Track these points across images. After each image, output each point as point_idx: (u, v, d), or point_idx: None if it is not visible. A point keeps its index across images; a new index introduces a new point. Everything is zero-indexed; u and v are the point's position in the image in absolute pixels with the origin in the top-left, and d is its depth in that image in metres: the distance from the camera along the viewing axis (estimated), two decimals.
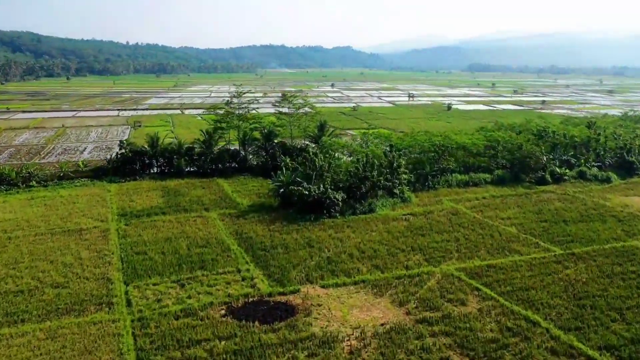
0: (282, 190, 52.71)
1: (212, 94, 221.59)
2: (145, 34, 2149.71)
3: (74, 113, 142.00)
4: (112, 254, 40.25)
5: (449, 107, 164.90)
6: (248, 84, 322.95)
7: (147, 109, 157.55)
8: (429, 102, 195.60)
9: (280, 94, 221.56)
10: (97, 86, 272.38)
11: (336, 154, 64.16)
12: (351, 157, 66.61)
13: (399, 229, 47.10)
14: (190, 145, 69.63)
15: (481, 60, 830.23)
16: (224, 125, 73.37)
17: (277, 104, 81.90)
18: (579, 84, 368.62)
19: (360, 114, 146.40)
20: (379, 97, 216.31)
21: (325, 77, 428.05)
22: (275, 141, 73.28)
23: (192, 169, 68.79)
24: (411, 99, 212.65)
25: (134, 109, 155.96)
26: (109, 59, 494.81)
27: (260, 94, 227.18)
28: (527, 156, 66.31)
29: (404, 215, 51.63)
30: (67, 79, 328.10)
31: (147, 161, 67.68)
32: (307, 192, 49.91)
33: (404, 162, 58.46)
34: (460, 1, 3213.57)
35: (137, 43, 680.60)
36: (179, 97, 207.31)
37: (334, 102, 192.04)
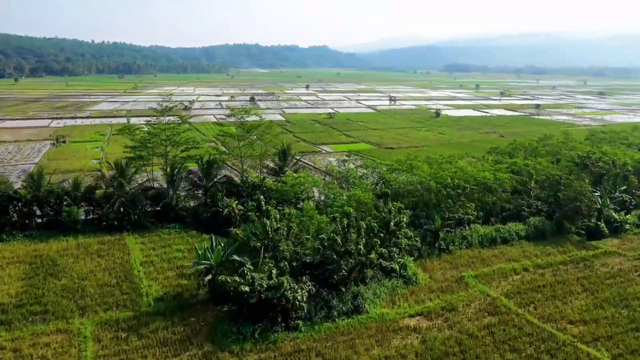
0: (209, 276, 31.84)
1: (173, 98, 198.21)
2: (114, 33, 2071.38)
3: None
4: None
5: (438, 114, 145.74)
6: (217, 85, 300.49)
7: (88, 117, 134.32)
8: (413, 107, 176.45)
9: (249, 97, 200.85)
10: (46, 88, 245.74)
11: (302, 202, 43.74)
12: (326, 198, 46.09)
13: (408, 359, 26.76)
14: (92, 185, 48.10)
15: (458, 60, 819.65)
16: (144, 152, 51.55)
17: (221, 123, 58.95)
18: (563, 85, 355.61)
19: (338, 123, 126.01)
20: (357, 101, 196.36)
21: (300, 78, 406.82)
22: (219, 175, 52.08)
23: (95, 217, 47.29)
24: (393, 102, 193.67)
25: (73, 117, 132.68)
26: (69, 58, 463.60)
27: (227, 97, 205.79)
28: (574, 197, 46.55)
29: (410, 315, 31.42)
30: (15, 80, 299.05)
31: (24, 210, 45.77)
32: (248, 288, 29.11)
33: (406, 219, 38.07)
34: (437, 1, 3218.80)
35: (103, 42, 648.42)
36: (133, 101, 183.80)
37: (308, 107, 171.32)
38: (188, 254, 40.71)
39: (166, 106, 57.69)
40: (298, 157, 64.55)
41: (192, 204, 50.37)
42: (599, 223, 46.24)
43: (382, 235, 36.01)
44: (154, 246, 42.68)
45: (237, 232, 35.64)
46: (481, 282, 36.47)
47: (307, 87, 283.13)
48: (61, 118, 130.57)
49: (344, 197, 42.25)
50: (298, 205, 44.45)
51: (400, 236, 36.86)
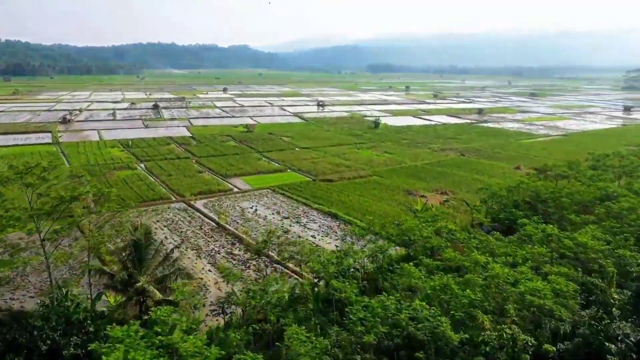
0: None
1: (58, 105, 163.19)
2: (10, 30, 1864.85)
3: None
4: None
5: (377, 124, 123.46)
6: (121, 88, 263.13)
7: None
8: (346, 114, 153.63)
9: (152, 104, 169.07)
10: None
11: None
12: None
13: None
14: None
15: (380, 60, 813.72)
16: None
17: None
18: (490, 86, 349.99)
19: (257, 139, 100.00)
20: (281, 107, 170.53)
21: (219, 79, 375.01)
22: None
23: None
24: (321, 108, 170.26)
25: None
26: None
27: (127, 104, 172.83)
28: None
29: None
30: None
31: None
32: None
33: None
34: (356, 2, 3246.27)
35: None
36: (2, 111, 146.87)
37: (223, 116, 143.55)
38: None
39: None
40: (177, 242, 37.96)
41: None
42: None
43: None
44: None
45: None
46: None
47: (224, 90, 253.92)
48: None
49: None
50: None
51: None
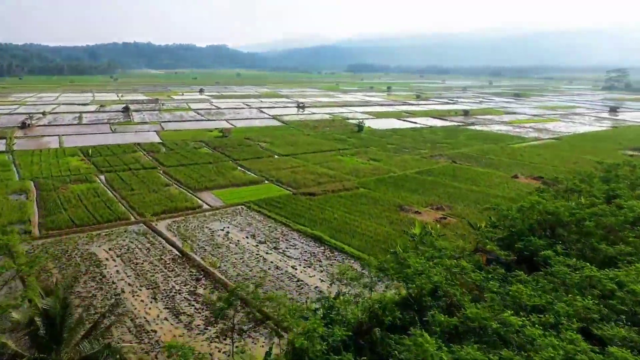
0: None
1: (21, 108, 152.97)
2: None
3: None
4: None
5: (360, 127, 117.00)
6: (93, 89, 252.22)
7: None
8: (327, 116, 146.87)
9: (123, 107, 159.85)
10: None
11: None
12: None
13: None
14: None
15: (359, 60, 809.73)
16: None
17: None
18: (471, 86, 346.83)
19: (233, 145, 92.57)
20: (259, 110, 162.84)
21: (196, 80, 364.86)
22: None
23: None
24: (301, 110, 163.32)
25: None
26: None
27: (95, 106, 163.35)
28: None
29: None
30: None
31: None
32: None
33: None
34: (337, 2, 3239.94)
35: None
36: None
37: (197, 120, 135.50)
38: None
39: None
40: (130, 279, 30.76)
41: None
42: None
43: None
44: None
45: None
46: None
47: (200, 91, 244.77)
48: None
49: None
50: None
51: None
